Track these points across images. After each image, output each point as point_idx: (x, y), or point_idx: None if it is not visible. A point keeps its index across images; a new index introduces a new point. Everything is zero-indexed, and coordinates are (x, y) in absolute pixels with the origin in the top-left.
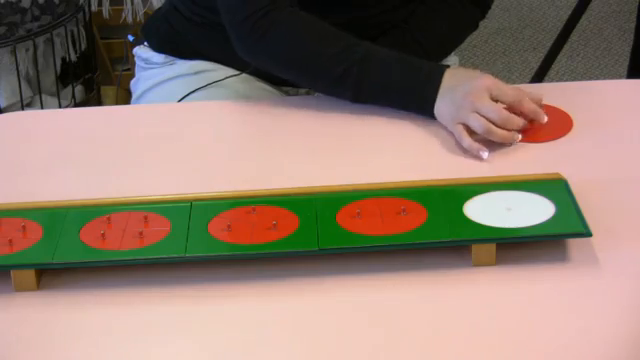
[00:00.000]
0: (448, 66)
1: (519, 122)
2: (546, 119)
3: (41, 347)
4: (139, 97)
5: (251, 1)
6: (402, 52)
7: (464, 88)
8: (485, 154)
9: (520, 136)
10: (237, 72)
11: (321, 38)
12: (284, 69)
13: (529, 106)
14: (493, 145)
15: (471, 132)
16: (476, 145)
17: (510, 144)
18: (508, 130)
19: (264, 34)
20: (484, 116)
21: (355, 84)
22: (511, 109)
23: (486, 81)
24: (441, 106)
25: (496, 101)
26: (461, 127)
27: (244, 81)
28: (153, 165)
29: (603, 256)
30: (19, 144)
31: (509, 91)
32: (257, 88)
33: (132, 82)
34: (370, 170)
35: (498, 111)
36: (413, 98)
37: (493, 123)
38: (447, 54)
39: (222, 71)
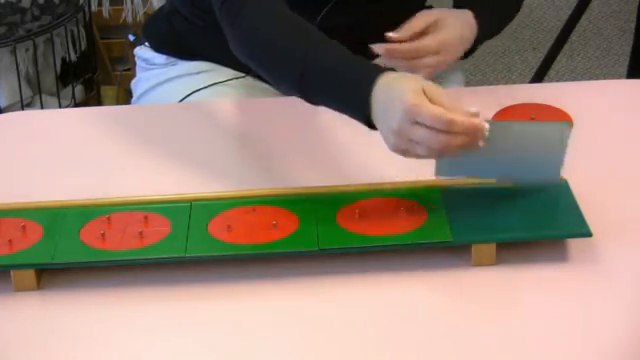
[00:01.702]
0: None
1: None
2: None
3: (41, 347)
4: (140, 97)
5: None
6: None
7: (393, 115)
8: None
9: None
10: (240, 74)
11: (282, 31)
12: (247, 57)
13: (462, 124)
14: None
15: None
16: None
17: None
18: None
19: (233, 22)
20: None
21: (300, 82)
22: None
23: (403, 105)
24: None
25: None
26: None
27: (245, 82)
28: (153, 165)
29: (603, 256)
30: (19, 144)
31: (432, 116)
32: (258, 88)
33: (133, 82)
34: (370, 170)
35: (429, 146)
36: (349, 97)
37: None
38: (498, 31)
39: (223, 71)
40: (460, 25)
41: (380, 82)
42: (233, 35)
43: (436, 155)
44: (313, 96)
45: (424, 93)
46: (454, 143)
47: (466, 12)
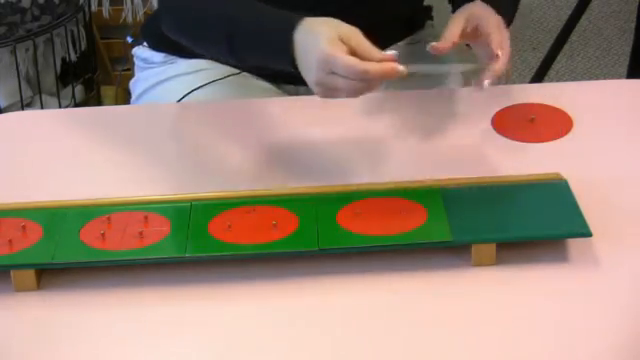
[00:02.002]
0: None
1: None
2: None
3: (41, 347)
4: (139, 97)
5: None
6: None
7: (311, 66)
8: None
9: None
10: (237, 71)
11: (210, 2)
12: (179, 34)
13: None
14: (492, 145)
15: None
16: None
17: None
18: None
19: (167, 2)
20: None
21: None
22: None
23: (317, 55)
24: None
25: None
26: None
27: (244, 80)
28: (153, 165)
29: (603, 256)
30: (19, 144)
31: (342, 69)
32: (257, 87)
33: (131, 82)
34: (370, 170)
35: (349, 91)
36: (273, 46)
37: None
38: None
39: (222, 69)
40: (489, 9)
41: (300, 28)
42: (165, 16)
43: (359, 96)
44: (245, 56)
45: (341, 40)
46: (373, 85)
47: (477, 2)
